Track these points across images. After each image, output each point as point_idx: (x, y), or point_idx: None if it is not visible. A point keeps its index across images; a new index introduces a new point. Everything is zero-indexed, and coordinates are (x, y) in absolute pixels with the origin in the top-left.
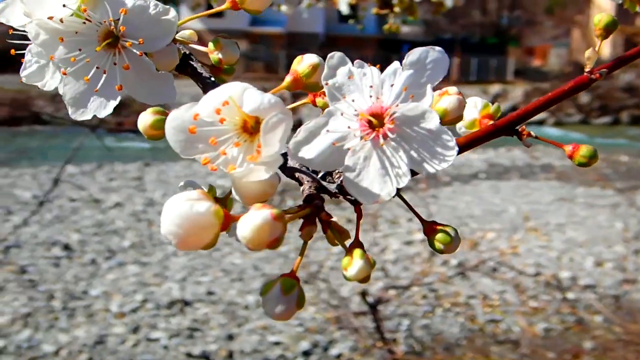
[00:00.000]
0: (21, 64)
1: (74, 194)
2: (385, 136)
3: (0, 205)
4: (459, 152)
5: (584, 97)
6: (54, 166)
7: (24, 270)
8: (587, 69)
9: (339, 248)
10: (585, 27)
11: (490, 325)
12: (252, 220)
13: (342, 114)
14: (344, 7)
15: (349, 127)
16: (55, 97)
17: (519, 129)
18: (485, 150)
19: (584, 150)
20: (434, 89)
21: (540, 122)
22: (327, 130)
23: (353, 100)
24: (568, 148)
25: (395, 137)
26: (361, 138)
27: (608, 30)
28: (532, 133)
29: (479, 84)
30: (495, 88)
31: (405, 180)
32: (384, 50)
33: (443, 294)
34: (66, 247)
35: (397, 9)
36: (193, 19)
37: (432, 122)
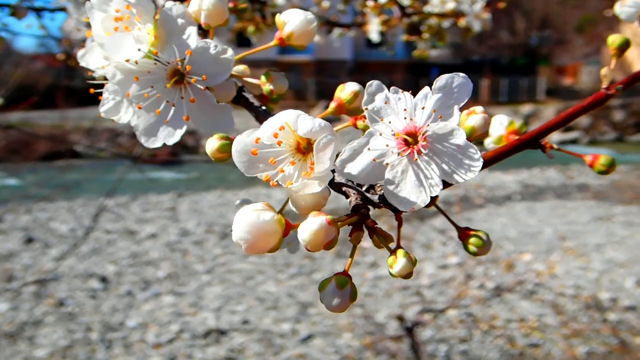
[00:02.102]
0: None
1: (110, 225)
2: (419, 152)
3: (39, 238)
4: (489, 165)
5: (618, 114)
6: (90, 199)
7: (62, 303)
8: (603, 86)
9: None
10: None
11: (530, 349)
12: (310, 226)
13: (381, 134)
14: (374, 36)
15: (387, 145)
16: (90, 131)
17: (543, 142)
18: (519, 171)
19: (602, 159)
20: (462, 109)
21: (574, 141)
22: (369, 149)
23: (390, 122)
24: (588, 158)
25: (428, 153)
26: (398, 154)
27: (621, 49)
28: (555, 146)
29: (510, 104)
30: (526, 108)
31: (437, 190)
32: (412, 74)
33: (480, 317)
34: (103, 279)
35: (426, 35)
36: (246, 55)
37: (460, 138)
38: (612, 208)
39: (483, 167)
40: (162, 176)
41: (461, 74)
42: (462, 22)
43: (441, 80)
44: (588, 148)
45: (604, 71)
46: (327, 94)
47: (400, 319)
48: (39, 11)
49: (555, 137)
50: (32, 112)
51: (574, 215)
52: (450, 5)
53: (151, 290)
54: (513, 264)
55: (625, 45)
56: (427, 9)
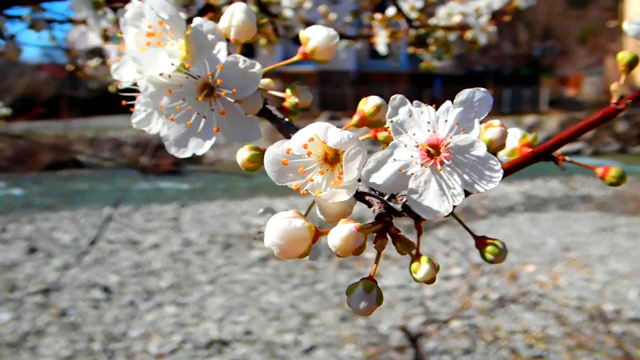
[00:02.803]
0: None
1: (113, 235)
2: (441, 163)
3: (42, 248)
4: (504, 176)
5: (621, 126)
6: (94, 209)
7: (65, 313)
8: (613, 100)
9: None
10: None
11: None
12: (341, 232)
13: (405, 146)
14: (382, 48)
15: (411, 156)
16: (93, 140)
17: (555, 155)
18: (521, 182)
19: (613, 171)
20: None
21: (577, 152)
22: (394, 159)
23: (414, 134)
24: (599, 170)
25: (450, 164)
26: (421, 165)
27: (630, 66)
28: (567, 158)
29: (513, 115)
30: (529, 119)
31: (460, 199)
32: (415, 85)
33: (484, 328)
34: (105, 289)
35: (432, 47)
36: (272, 69)
37: (481, 150)
38: (615, 219)
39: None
40: (165, 186)
41: (482, 89)
42: (468, 34)
43: (463, 94)
44: (591, 159)
45: (613, 86)
46: (330, 105)
47: (404, 329)
48: (49, 22)
49: None
50: (35, 122)
51: (577, 227)
52: (457, 19)
53: (154, 301)
54: (516, 275)
55: (634, 62)
56: (433, 21)
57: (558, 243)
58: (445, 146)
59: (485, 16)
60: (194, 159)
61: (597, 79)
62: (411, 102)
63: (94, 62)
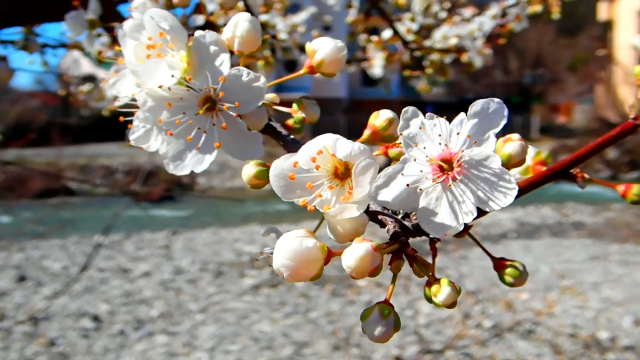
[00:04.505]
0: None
1: (103, 263)
2: (454, 179)
3: (31, 277)
4: (521, 195)
5: (612, 153)
6: (84, 237)
7: (54, 343)
8: (631, 116)
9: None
10: (609, 82)
11: None
12: (356, 252)
13: (415, 160)
14: (378, 70)
15: (422, 172)
16: (84, 168)
17: (574, 172)
18: (514, 209)
19: (635, 189)
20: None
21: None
22: (403, 175)
23: (425, 148)
24: (620, 188)
25: (463, 179)
26: (433, 181)
27: None
28: (586, 175)
29: None
30: None
31: (471, 217)
32: None
33: (479, 358)
34: (95, 318)
35: (429, 70)
36: (279, 82)
37: (495, 164)
38: (608, 246)
39: (516, 197)
40: (157, 214)
41: (496, 100)
42: (464, 57)
43: (477, 105)
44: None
45: (631, 102)
46: (322, 132)
47: (398, 359)
48: (42, 47)
49: None
50: (27, 149)
51: (570, 254)
52: (453, 41)
53: (144, 330)
54: (510, 302)
55: None
56: (428, 43)
57: (551, 270)
58: (458, 161)
59: (480, 39)
60: (186, 186)
61: (588, 106)
62: (424, 115)
63: (86, 87)
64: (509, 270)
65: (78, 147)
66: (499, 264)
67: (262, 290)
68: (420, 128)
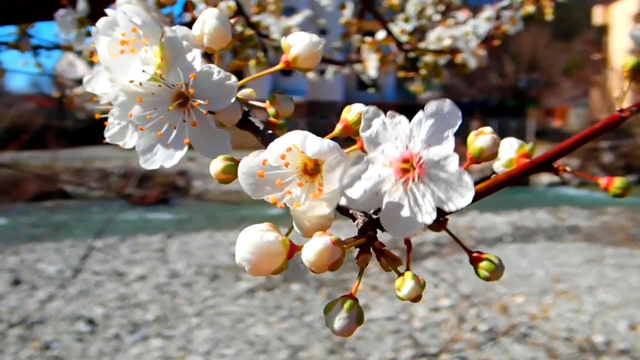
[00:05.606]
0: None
1: (98, 267)
2: (414, 179)
3: (26, 280)
4: (501, 187)
5: (607, 157)
6: (79, 240)
7: (48, 347)
8: (617, 108)
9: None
10: (604, 86)
11: None
12: (315, 246)
13: (378, 161)
14: (373, 72)
15: (383, 173)
16: (80, 171)
17: (556, 165)
18: (509, 212)
19: (617, 182)
20: (470, 131)
21: (564, 183)
22: (365, 176)
23: (387, 148)
24: (602, 181)
25: (424, 179)
26: (394, 181)
27: (634, 72)
28: (568, 169)
29: None
30: None
31: (432, 217)
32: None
33: None
34: (90, 322)
35: (423, 71)
36: (250, 80)
37: (453, 164)
38: (603, 250)
39: (497, 189)
40: (152, 217)
41: (447, 100)
42: (458, 58)
43: (431, 106)
44: (577, 190)
45: (618, 93)
46: (318, 135)
47: None
48: (35, 49)
49: (545, 178)
50: (22, 152)
51: (565, 257)
52: (447, 42)
53: (139, 333)
54: (506, 306)
55: (637, 68)
56: (423, 45)
57: (546, 274)
58: (418, 161)
59: (474, 40)
60: (181, 190)
61: (583, 110)
62: (385, 114)
63: (81, 89)
64: (484, 264)
65: (73, 150)
66: (475, 258)
67: (258, 293)
68: (382, 128)
